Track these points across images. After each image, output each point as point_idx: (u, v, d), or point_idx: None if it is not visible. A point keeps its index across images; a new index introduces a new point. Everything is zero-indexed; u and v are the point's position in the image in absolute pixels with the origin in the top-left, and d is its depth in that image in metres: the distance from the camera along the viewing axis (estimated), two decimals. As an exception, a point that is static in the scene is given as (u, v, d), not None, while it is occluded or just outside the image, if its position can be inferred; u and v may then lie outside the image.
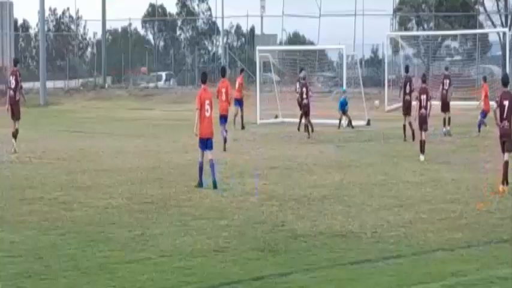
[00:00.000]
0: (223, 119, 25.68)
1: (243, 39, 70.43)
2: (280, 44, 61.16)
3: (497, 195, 16.38)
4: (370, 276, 10.40)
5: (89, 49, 74.66)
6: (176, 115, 41.72)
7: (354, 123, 34.67)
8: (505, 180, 16.88)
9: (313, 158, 22.72)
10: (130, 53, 65.94)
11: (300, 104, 31.04)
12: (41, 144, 26.80)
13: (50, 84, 58.82)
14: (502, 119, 17.05)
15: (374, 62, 61.78)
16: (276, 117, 36.08)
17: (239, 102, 32.25)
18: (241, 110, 32.39)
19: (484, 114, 29.67)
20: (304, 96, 30.33)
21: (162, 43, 71.71)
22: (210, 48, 71.26)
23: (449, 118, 29.77)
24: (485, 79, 31.58)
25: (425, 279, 10.22)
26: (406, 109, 27.23)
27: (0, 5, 61.24)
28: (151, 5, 70.56)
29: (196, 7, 73.32)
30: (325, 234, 12.70)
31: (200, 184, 17.45)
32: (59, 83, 62.50)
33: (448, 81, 30.58)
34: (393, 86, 46.44)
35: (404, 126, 27.03)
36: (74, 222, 13.70)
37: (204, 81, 18.39)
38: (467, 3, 58.94)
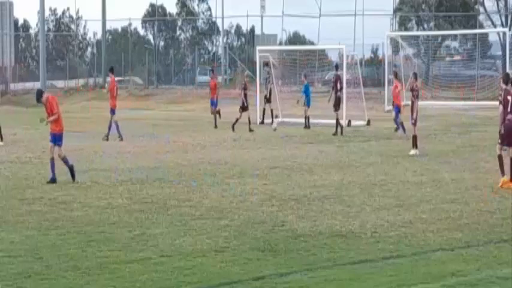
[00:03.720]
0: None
1: (243, 39, 70.47)
2: (280, 44, 61.21)
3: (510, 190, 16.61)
4: (370, 276, 10.40)
5: (89, 49, 74.74)
6: (176, 115, 41.74)
7: (353, 123, 34.69)
8: (502, 172, 17.22)
9: (313, 158, 22.73)
10: (130, 53, 65.99)
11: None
12: (41, 144, 26.80)
13: (50, 84, 58.86)
14: (506, 113, 17.42)
15: (374, 62, 61.83)
16: (276, 117, 36.09)
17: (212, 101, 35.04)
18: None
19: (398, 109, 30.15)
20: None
21: (162, 43, 71.75)
22: (210, 48, 71.32)
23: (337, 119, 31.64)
24: (396, 75, 32.36)
25: (425, 279, 10.21)
26: (337, 105, 30.86)
27: (0, 5, 61.27)
28: (152, 5, 70.64)
29: (196, 7, 73.41)
30: (325, 234, 12.70)
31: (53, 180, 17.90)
32: (59, 83, 62.53)
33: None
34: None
35: (337, 120, 30.38)
36: (74, 222, 13.70)
37: None
38: (467, 3, 58.98)
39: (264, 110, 36.11)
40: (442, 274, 10.42)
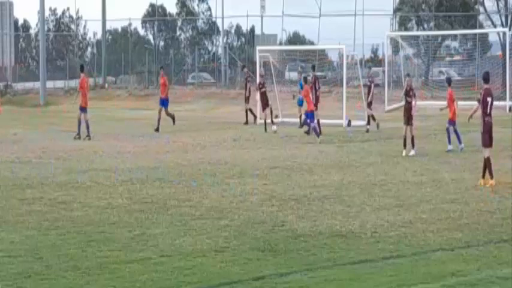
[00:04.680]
0: None
1: (243, 39, 70.49)
2: (280, 44, 61.20)
3: (490, 188, 17.01)
4: (370, 276, 10.40)
5: (89, 49, 74.75)
6: (176, 115, 41.69)
7: (353, 123, 34.69)
8: (490, 174, 17.59)
9: (313, 158, 22.73)
10: (130, 53, 65.98)
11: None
12: (41, 144, 26.82)
13: (50, 84, 58.85)
14: (486, 115, 17.63)
15: (374, 62, 61.82)
16: (276, 117, 36.07)
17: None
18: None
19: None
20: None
21: (162, 43, 71.77)
22: (210, 48, 71.33)
23: (372, 115, 32.17)
24: (305, 80, 32.06)
25: (425, 279, 10.22)
26: (316, 105, 30.79)
27: (0, 5, 61.27)
28: (151, 5, 70.65)
29: (196, 7, 73.43)
30: (325, 234, 12.70)
31: None
32: (59, 83, 62.52)
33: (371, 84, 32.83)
34: (393, 86, 46.50)
35: (318, 120, 30.02)
36: (74, 222, 13.70)
37: None
38: (467, 3, 58.93)
39: (246, 111, 36.23)
40: (442, 274, 10.43)
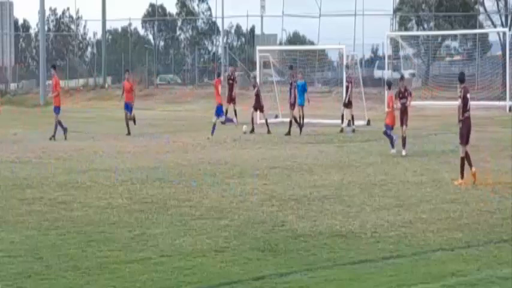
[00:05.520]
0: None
1: (243, 39, 70.52)
2: (280, 44, 61.22)
3: (462, 186, 17.38)
4: (370, 276, 10.40)
5: (89, 49, 74.80)
6: (176, 115, 41.74)
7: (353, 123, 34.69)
8: (470, 165, 18.08)
9: (313, 158, 22.73)
10: (130, 53, 66.00)
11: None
12: (41, 144, 26.82)
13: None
14: (466, 111, 18.36)
15: (374, 62, 61.84)
16: (276, 117, 36.10)
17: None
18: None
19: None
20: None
21: (162, 43, 71.79)
22: (210, 48, 71.36)
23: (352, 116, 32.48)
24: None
25: (425, 279, 10.22)
26: (293, 105, 31.31)
27: (0, 5, 61.27)
28: (151, 5, 70.68)
29: (196, 7, 73.45)
30: (325, 234, 12.70)
31: None
32: (59, 83, 62.50)
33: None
34: (393, 86, 46.43)
35: (295, 118, 30.93)
36: (74, 222, 13.70)
37: None
38: (467, 3, 58.95)
39: (227, 110, 35.52)
40: (442, 274, 10.43)
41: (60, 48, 71.29)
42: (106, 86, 61.37)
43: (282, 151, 24.71)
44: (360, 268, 10.78)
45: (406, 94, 23.83)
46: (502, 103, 43.54)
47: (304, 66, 49.11)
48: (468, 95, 18.54)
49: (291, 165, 21.19)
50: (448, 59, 60.50)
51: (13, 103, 52.02)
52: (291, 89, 31.90)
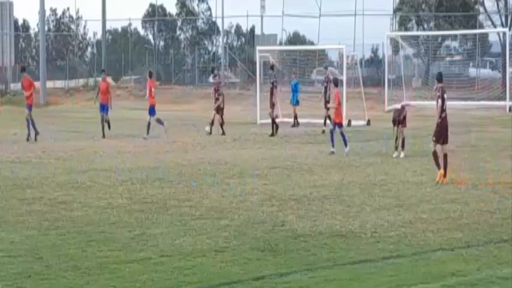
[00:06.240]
0: None
1: (243, 39, 70.48)
2: (280, 44, 61.21)
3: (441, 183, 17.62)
4: (370, 276, 10.40)
5: (89, 49, 74.76)
6: (176, 115, 41.74)
7: (353, 123, 34.72)
8: (438, 166, 18.19)
9: (313, 158, 22.73)
10: (130, 53, 66.00)
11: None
12: (40, 144, 26.82)
13: (50, 84, 58.87)
14: (443, 111, 18.55)
15: (374, 62, 61.83)
16: (276, 117, 36.08)
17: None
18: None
19: None
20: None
21: (162, 43, 71.77)
22: (210, 48, 71.32)
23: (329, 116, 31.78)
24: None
25: (425, 279, 10.22)
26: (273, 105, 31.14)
27: (0, 5, 61.26)
28: (151, 5, 70.63)
29: (196, 7, 73.39)
30: (325, 234, 12.70)
31: None
32: (59, 83, 62.54)
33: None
34: (393, 86, 46.51)
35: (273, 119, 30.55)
36: (74, 222, 13.70)
37: None
38: (467, 3, 58.93)
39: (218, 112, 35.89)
40: (442, 274, 10.43)
41: (60, 48, 71.27)
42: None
43: (282, 151, 24.71)
44: (360, 268, 10.78)
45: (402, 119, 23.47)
46: (502, 103, 43.56)
47: (304, 66, 49.14)
48: (445, 95, 18.75)
49: (291, 165, 21.20)
50: (448, 59, 60.48)
51: (13, 103, 51.98)
52: (272, 88, 31.65)
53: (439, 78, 19.19)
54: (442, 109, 18.64)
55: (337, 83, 25.15)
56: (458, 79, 51.38)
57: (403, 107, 24.00)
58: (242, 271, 10.60)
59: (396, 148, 23.15)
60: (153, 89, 30.13)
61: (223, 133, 30.49)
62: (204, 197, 16.11)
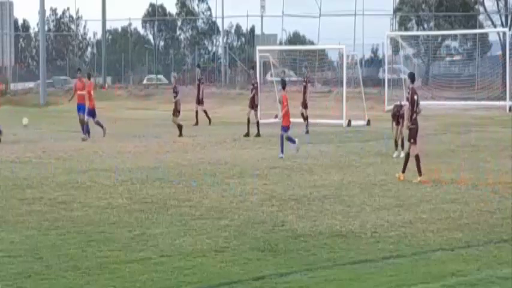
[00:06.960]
0: None
1: (243, 39, 70.55)
2: (280, 44, 61.25)
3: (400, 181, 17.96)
4: (370, 276, 10.40)
5: (89, 49, 74.84)
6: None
7: (353, 123, 34.73)
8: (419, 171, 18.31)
9: (313, 158, 22.73)
10: (130, 53, 66.03)
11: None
12: (41, 144, 26.82)
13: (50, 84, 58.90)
14: (413, 112, 18.60)
15: (374, 62, 61.87)
16: (276, 117, 36.06)
17: None
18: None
19: None
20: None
21: (162, 43, 71.82)
22: (210, 48, 71.40)
23: (306, 116, 31.62)
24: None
25: (425, 279, 10.22)
26: (253, 105, 30.90)
27: (0, 5, 61.28)
28: (151, 5, 70.72)
29: (196, 7, 73.50)
30: (325, 234, 12.70)
31: None
32: (59, 83, 62.55)
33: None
34: (393, 86, 46.53)
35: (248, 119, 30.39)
36: (74, 222, 13.70)
37: None
38: (467, 3, 58.97)
39: (197, 112, 36.27)
40: (442, 274, 10.43)
41: (60, 48, 71.33)
42: (106, 86, 61.34)
43: (282, 151, 24.67)
44: (360, 268, 10.78)
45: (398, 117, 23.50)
46: (502, 103, 43.57)
47: (304, 66, 49.04)
48: (415, 97, 18.65)
49: (291, 165, 21.19)
50: (448, 59, 60.53)
51: (13, 103, 52.00)
52: (252, 89, 31.49)
53: (412, 78, 18.96)
54: (413, 111, 18.53)
55: (284, 85, 23.90)
56: (458, 79, 51.43)
57: (401, 106, 24.00)
58: (242, 271, 10.60)
59: (396, 146, 23.15)
60: (91, 91, 29.29)
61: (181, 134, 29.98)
62: (204, 197, 16.11)
